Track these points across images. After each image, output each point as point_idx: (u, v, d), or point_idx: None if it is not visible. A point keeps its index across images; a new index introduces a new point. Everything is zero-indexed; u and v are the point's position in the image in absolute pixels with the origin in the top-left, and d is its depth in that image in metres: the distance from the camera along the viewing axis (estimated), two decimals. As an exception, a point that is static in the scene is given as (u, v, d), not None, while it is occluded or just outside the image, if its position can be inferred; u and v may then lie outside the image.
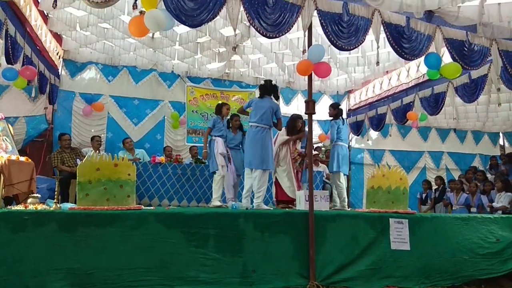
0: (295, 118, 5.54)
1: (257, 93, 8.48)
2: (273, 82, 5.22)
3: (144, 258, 3.14)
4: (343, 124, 5.84)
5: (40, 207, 3.47)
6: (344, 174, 5.72)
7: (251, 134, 4.87)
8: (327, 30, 4.08)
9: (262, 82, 5.22)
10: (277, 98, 5.23)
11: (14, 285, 2.84)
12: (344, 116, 9.12)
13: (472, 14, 4.43)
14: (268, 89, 5.06)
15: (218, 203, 5.44)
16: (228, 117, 5.95)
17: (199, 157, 6.94)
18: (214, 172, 5.63)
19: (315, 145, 8.76)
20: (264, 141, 4.77)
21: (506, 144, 10.06)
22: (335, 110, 5.90)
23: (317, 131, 8.97)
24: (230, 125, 5.88)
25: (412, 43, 4.44)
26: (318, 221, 3.69)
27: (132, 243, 3.15)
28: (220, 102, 6.45)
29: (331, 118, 5.93)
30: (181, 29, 6.64)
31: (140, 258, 3.13)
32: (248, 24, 6.28)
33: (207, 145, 5.68)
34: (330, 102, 8.98)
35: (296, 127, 5.50)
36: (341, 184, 5.64)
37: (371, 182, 4.35)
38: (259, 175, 4.71)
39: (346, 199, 5.79)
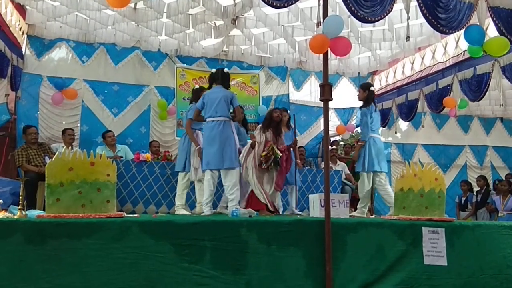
0: (270, 111, 5.67)
1: (261, 75, 8.57)
2: (225, 70, 5.29)
3: (127, 276, 3.15)
4: (375, 111, 5.63)
5: (1, 215, 3.48)
6: (386, 172, 5.68)
7: (207, 130, 4.98)
8: (346, -2, 4.06)
9: (213, 70, 5.32)
10: (228, 87, 5.29)
11: (-30, 309, 2.86)
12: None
13: (524, -23, 4.40)
14: (218, 77, 5.16)
15: (185, 212, 5.43)
16: None
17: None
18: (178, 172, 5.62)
19: (331, 139, 8.77)
20: (222, 135, 4.87)
21: None
22: (365, 92, 5.65)
23: (334, 121, 8.97)
24: None
25: (449, 13, 4.41)
26: (336, 231, 3.69)
27: (112, 258, 3.16)
28: (197, 86, 6.36)
29: (361, 104, 5.70)
30: (169, -2, 6.64)
31: (121, 276, 3.14)
32: (250, -9, 6.27)
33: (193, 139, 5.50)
34: (350, 85, 9.01)
35: (274, 118, 5.54)
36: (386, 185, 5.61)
37: (400, 183, 4.34)
38: (223, 175, 4.87)
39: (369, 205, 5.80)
